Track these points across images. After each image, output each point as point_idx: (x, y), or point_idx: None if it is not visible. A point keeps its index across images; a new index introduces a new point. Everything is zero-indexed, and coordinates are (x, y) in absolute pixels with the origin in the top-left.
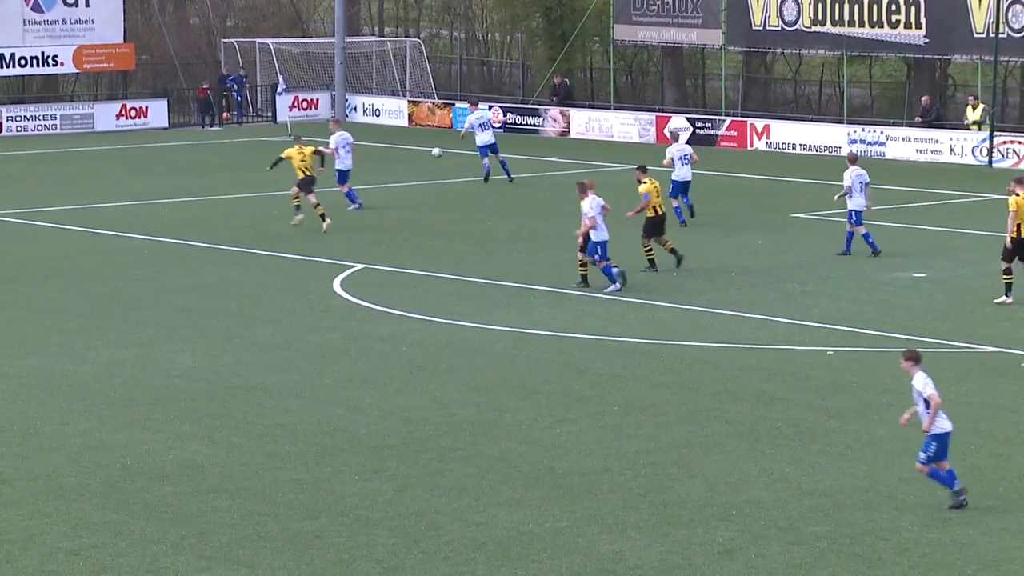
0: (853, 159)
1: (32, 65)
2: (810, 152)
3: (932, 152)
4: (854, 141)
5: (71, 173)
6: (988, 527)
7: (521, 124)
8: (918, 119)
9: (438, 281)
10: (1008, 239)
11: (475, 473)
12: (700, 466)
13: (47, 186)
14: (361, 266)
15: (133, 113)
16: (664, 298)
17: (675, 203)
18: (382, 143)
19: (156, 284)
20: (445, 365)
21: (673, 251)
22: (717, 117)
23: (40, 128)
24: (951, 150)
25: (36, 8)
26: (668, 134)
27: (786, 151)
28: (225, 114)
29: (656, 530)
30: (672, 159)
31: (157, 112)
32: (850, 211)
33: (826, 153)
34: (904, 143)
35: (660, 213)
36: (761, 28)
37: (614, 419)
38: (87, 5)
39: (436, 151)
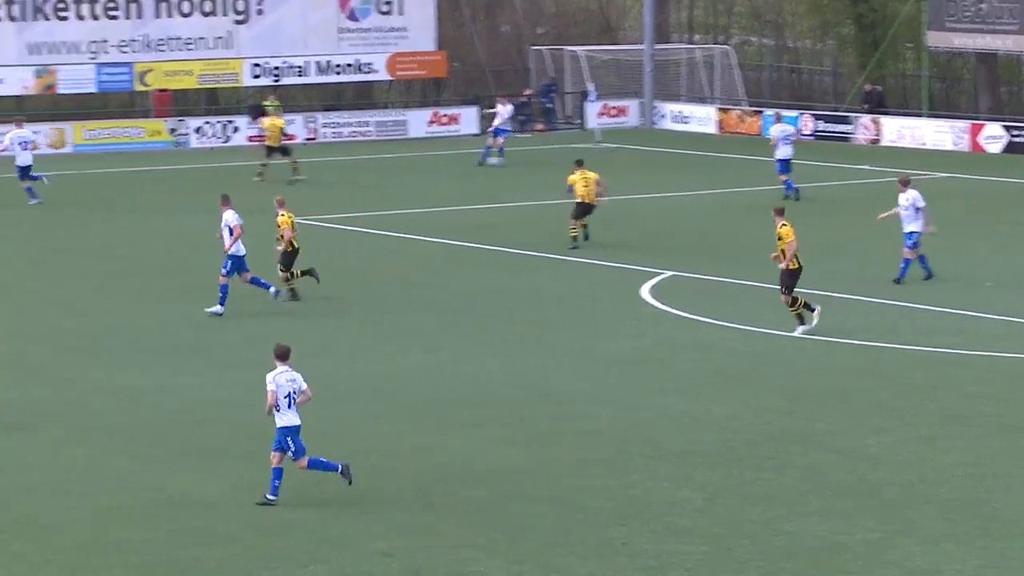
0: (906, 182)
1: (347, 72)
2: None
3: None
4: None
5: (384, 179)
6: None
7: (832, 132)
8: None
9: (749, 289)
10: (787, 268)
11: (787, 482)
12: (1018, 478)
13: (360, 192)
14: (670, 273)
15: (444, 120)
16: (978, 308)
17: (783, 178)
18: (691, 150)
19: (464, 289)
20: (757, 374)
21: (309, 272)
22: None
23: (354, 135)
24: None
25: (351, 17)
26: (774, 114)
27: None
28: (539, 125)
29: (972, 543)
30: (776, 139)
31: (468, 119)
32: (914, 233)
33: None
34: None
35: (295, 247)
36: None
37: (928, 430)
38: (401, 13)
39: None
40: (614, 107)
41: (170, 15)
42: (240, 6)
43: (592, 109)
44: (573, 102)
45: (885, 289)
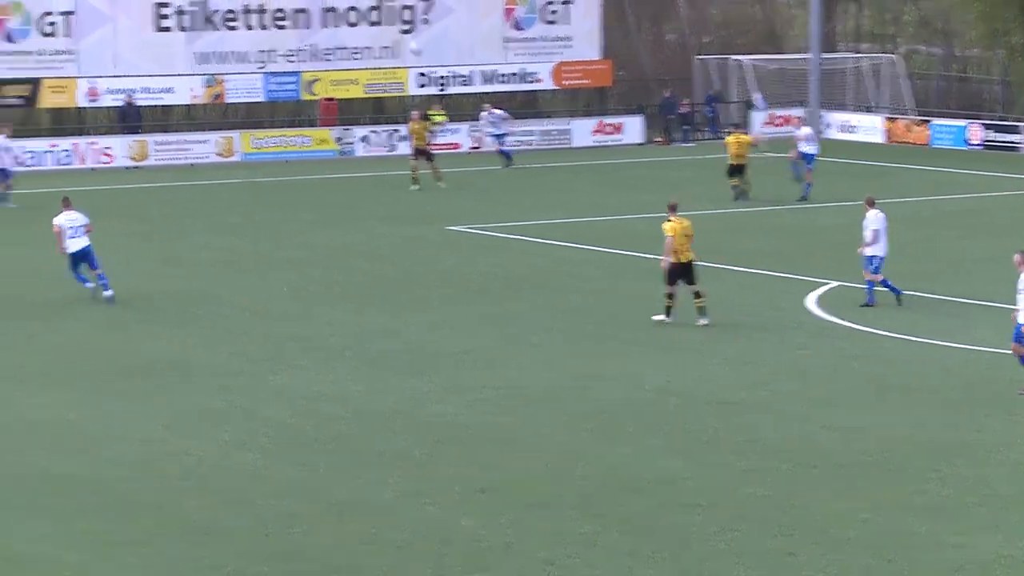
0: (871, 202)
1: (512, 82)
2: None
3: None
4: None
5: (548, 187)
6: None
7: (1000, 141)
8: None
9: (913, 299)
10: (667, 263)
11: (952, 494)
12: None
13: (523, 200)
14: (835, 283)
15: (609, 129)
16: None
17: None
18: (857, 160)
19: (627, 298)
20: (920, 384)
21: None
22: None
23: (519, 143)
24: None
25: (517, 26)
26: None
27: None
28: (659, 138)
29: None
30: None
31: (632, 128)
32: (875, 257)
33: None
34: None
35: None
36: None
37: None
38: (567, 22)
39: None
40: (780, 116)
41: (337, 25)
42: (407, 16)
43: (756, 118)
44: (738, 111)
45: None
